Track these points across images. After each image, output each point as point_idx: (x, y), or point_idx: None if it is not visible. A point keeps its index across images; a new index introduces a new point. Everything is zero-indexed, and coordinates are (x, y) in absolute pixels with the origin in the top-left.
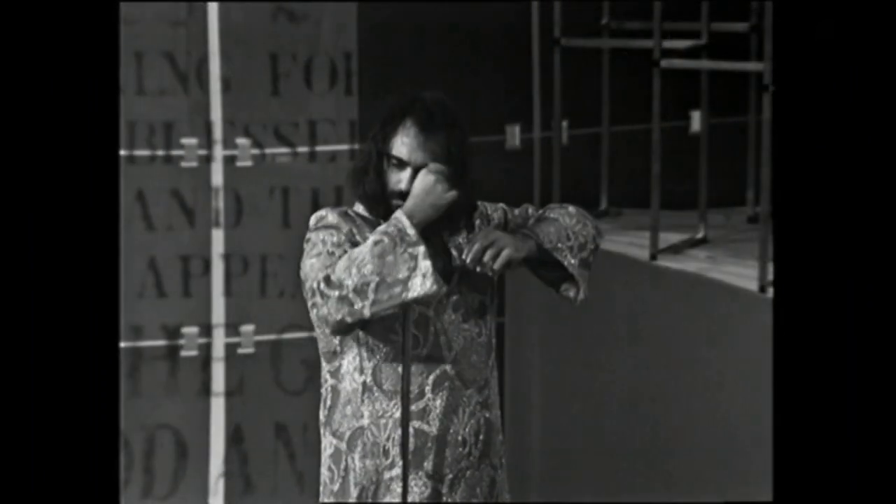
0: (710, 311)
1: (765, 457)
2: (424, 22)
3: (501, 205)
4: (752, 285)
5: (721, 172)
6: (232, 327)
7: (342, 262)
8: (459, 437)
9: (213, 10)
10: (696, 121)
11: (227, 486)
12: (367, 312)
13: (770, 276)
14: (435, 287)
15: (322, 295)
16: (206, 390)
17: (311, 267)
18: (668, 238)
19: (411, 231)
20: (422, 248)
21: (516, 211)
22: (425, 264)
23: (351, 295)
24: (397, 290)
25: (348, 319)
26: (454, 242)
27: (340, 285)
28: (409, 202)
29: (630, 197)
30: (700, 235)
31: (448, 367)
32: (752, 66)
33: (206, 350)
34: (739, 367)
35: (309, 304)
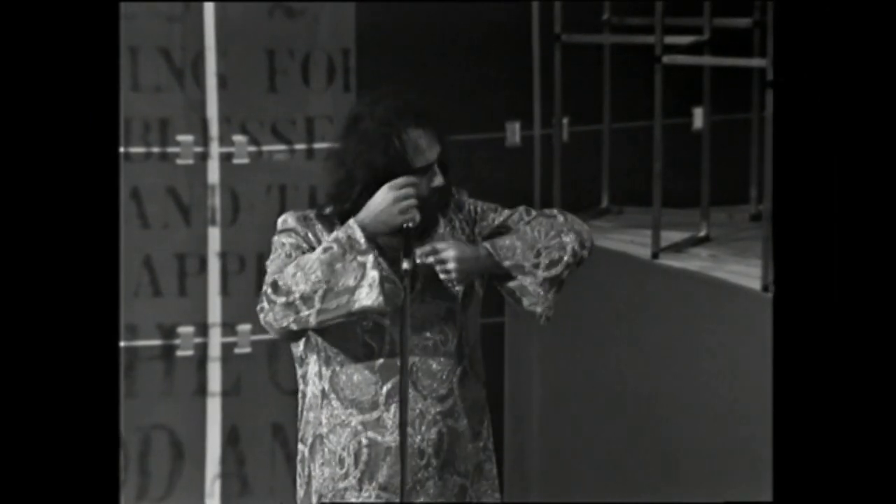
0: (712, 310)
1: (765, 457)
2: (423, 17)
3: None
4: (755, 284)
5: (724, 170)
6: (228, 326)
7: (290, 268)
8: (416, 448)
9: (209, 5)
10: (698, 117)
11: (223, 487)
12: (312, 320)
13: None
14: (381, 299)
15: (268, 300)
16: (202, 390)
17: (268, 270)
18: (670, 236)
19: (362, 239)
20: (371, 258)
21: (506, 212)
22: (373, 274)
23: (297, 302)
24: (344, 299)
25: (294, 326)
26: (431, 238)
27: (288, 292)
28: (363, 213)
29: (631, 195)
30: (702, 234)
31: (396, 383)
32: (755, 62)
33: (203, 350)
34: (742, 366)
35: (257, 307)
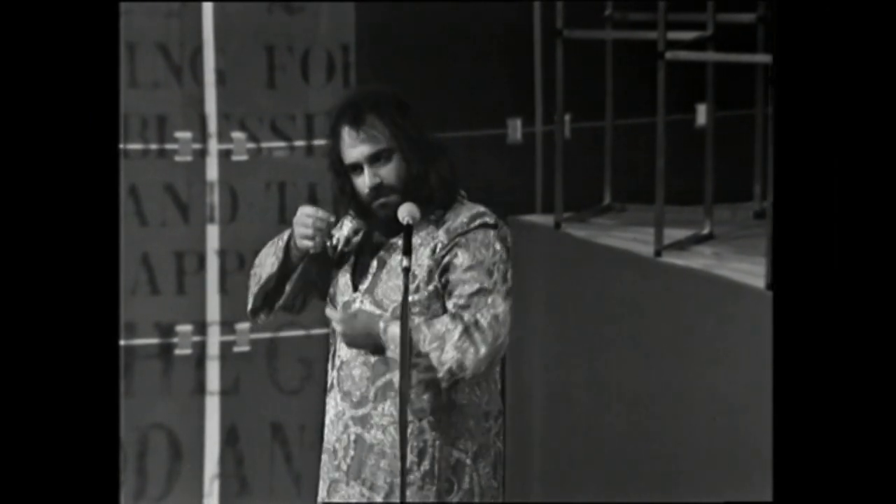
0: (715, 308)
1: (766, 456)
2: (423, 13)
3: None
4: (759, 282)
5: (727, 167)
6: (227, 325)
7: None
8: (331, 446)
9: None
10: (701, 114)
11: (221, 488)
12: (249, 302)
13: None
14: (248, 309)
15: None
16: (200, 389)
17: None
18: (673, 234)
19: (282, 244)
20: (274, 267)
21: (461, 267)
22: (261, 284)
23: (251, 278)
24: (252, 294)
25: (249, 304)
26: (428, 227)
27: (254, 265)
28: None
29: (634, 192)
30: (706, 231)
31: (334, 376)
32: (758, 58)
33: (201, 348)
34: (745, 364)
35: None
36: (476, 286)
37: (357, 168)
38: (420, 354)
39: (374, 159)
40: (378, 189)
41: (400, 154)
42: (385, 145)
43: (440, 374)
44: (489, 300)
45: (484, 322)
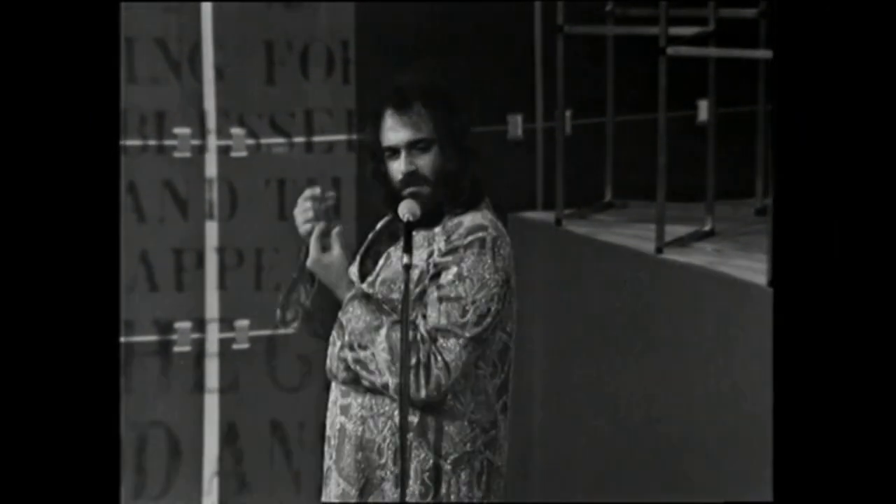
0: (716, 305)
1: (767, 455)
2: (424, 8)
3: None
4: (761, 279)
5: (729, 163)
6: (226, 322)
7: None
8: (327, 434)
9: None
10: (703, 110)
11: (221, 486)
12: (277, 314)
13: None
14: (278, 321)
15: None
16: (199, 387)
17: None
18: (675, 231)
19: (303, 251)
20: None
21: (444, 288)
22: (286, 291)
23: None
24: (279, 304)
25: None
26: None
27: None
28: None
29: (635, 188)
30: (707, 228)
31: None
32: (760, 53)
33: (200, 345)
34: (746, 362)
35: None
36: (443, 322)
37: (395, 153)
38: (365, 346)
39: (413, 146)
40: (411, 176)
41: (439, 147)
42: (426, 135)
43: (376, 381)
44: (449, 345)
45: (434, 368)
